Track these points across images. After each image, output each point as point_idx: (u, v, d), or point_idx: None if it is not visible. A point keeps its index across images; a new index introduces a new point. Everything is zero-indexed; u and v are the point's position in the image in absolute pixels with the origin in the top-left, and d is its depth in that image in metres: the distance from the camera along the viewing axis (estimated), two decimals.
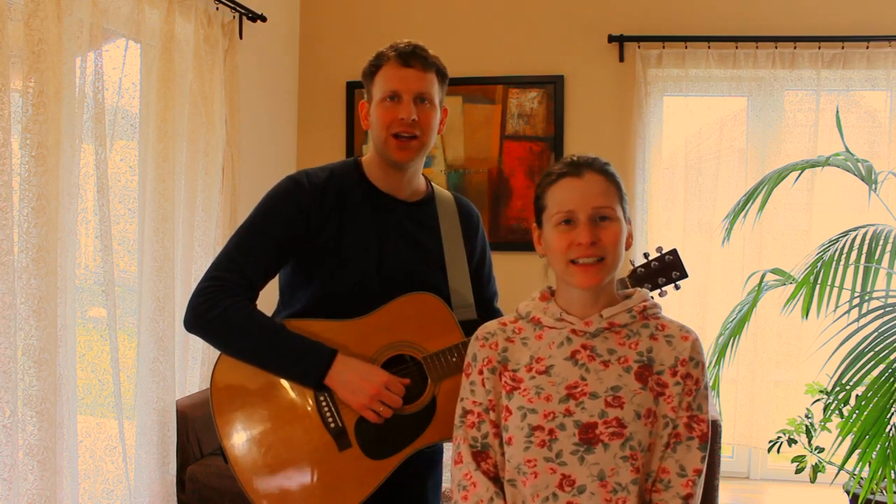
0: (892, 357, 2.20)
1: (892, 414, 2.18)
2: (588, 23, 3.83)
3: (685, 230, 3.79)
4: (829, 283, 2.54)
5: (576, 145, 3.84)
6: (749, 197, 2.95)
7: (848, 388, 2.26)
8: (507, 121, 3.89)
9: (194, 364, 3.06)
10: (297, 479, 1.62)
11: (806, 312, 2.56)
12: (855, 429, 2.22)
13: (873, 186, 2.76)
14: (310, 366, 1.63)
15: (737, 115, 3.85)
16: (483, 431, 1.47)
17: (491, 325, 1.53)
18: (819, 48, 3.62)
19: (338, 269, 1.72)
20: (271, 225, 1.71)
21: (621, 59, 3.79)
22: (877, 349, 2.24)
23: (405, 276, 1.74)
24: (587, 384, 1.41)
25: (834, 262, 2.55)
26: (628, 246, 1.48)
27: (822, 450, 3.20)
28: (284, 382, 1.66)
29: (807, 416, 3.30)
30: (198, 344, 3.03)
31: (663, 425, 1.41)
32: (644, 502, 1.40)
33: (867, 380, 2.23)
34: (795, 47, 3.63)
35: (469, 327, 1.67)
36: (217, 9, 3.12)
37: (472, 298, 1.82)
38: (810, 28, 3.64)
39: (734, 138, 3.84)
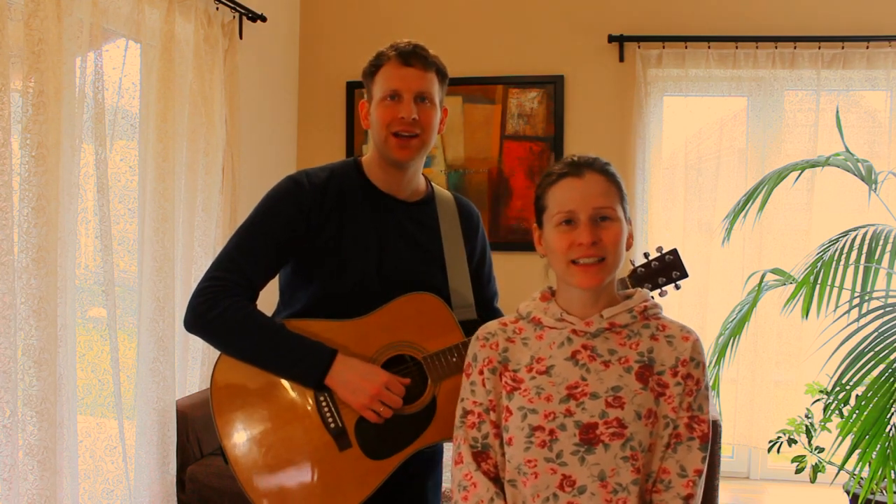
0: (892, 357, 2.20)
1: (892, 414, 2.18)
2: (588, 23, 3.83)
3: (685, 230, 3.79)
4: (829, 283, 2.54)
5: (576, 145, 3.84)
6: (749, 197, 2.95)
7: (848, 388, 2.26)
8: (507, 121, 3.89)
9: (194, 364, 3.06)
10: (297, 479, 1.62)
11: (806, 312, 2.56)
12: (855, 429, 2.22)
13: (873, 186, 2.76)
14: (310, 366, 1.63)
15: (737, 115, 3.85)
16: (483, 432, 1.47)
17: (491, 326, 1.53)
18: (819, 48, 3.62)
19: (338, 269, 1.71)
20: (271, 225, 1.71)
21: (621, 59, 3.79)
22: (877, 349, 2.24)
23: (405, 276, 1.74)
24: (588, 384, 1.41)
25: (834, 262, 2.55)
26: (629, 246, 1.48)
27: (822, 450, 3.20)
28: (284, 382, 1.66)
29: (807, 416, 3.30)
30: (198, 344, 3.03)
31: (664, 426, 1.41)
32: (644, 503, 1.40)
33: (867, 380, 2.23)
34: (795, 47, 3.64)
35: (469, 327, 1.67)
36: (217, 9, 3.12)
37: (472, 298, 1.82)
38: (810, 28, 3.65)
39: (734, 138, 3.84)
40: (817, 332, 2.43)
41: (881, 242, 2.49)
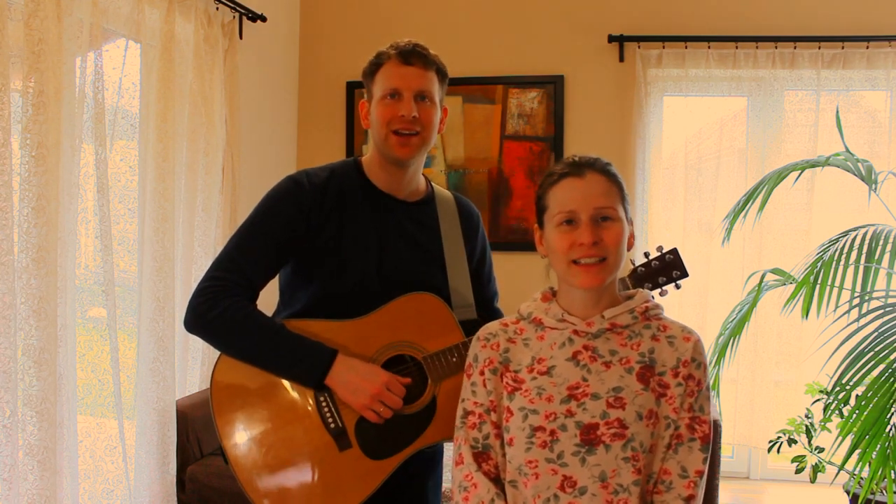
0: (892, 357, 2.20)
1: (892, 414, 2.17)
2: (588, 23, 3.83)
3: (685, 230, 3.79)
4: (829, 283, 2.54)
5: (576, 145, 3.84)
6: (749, 197, 2.95)
7: (848, 388, 2.26)
8: (507, 121, 3.89)
9: (194, 364, 3.06)
10: (298, 479, 1.62)
11: (806, 312, 2.56)
12: (855, 429, 2.22)
13: (873, 186, 2.76)
14: (310, 366, 1.63)
15: (737, 115, 3.85)
16: (484, 432, 1.47)
17: (492, 326, 1.53)
18: (819, 48, 3.62)
19: (338, 269, 1.71)
20: (271, 225, 1.71)
21: (621, 59, 3.79)
22: (877, 349, 2.23)
23: (405, 276, 1.74)
24: (589, 385, 1.41)
25: (834, 262, 2.55)
26: (630, 246, 1.48)
27: (822, 450, 3.20)
28: (284, 382, 1.66)
29: (807, 416, 3.30)
30: (198, 344, 3.03)
31: (665, 426, 1.41)
32: (645, 503, 1.40)
33: (867, 380, 2.23)
34: (795, 47, 3.64)
35: (469, 327, 1.67)
36: (217, 9, 3.12)
37: (473, 298, 1.82)
38: (810, 28, 3.65)
39: (734, 138, 3.84)
40: (817, 332, 2.43)
41: (881, 242, 2.49)
